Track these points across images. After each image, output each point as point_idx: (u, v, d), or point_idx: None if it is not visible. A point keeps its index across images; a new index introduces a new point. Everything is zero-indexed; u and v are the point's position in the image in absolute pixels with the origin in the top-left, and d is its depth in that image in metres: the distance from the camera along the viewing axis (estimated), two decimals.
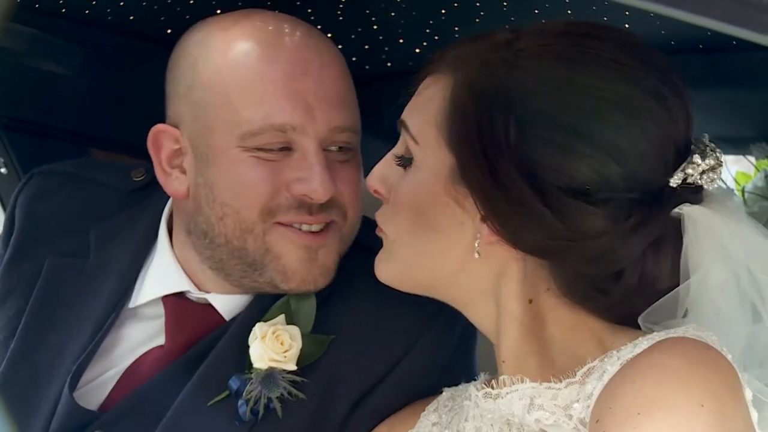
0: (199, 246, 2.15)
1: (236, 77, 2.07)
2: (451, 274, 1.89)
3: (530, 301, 1.87)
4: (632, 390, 1.64)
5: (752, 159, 2.93)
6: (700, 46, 2.57)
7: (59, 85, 2.77)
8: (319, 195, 2.04)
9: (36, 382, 2.16)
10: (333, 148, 2.10)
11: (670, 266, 1.81)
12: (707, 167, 1.81)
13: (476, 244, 1.85)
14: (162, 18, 2.71)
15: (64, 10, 2.71)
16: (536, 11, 2.48)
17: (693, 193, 1.81)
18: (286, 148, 2.06)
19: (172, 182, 2.16)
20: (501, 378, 1.87)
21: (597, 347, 1.81)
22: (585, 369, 1.78)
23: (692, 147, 1.82)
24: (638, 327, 1.83)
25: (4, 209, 2.66)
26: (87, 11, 2.71)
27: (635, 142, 1.77)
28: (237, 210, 2.07)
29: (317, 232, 2.10)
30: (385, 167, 1.95)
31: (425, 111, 1.87)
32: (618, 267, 1.79)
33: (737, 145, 2.88)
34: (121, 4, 2.68)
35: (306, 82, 2.06)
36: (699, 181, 1.81)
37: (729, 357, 1.70)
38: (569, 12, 2.46)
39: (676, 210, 1.80)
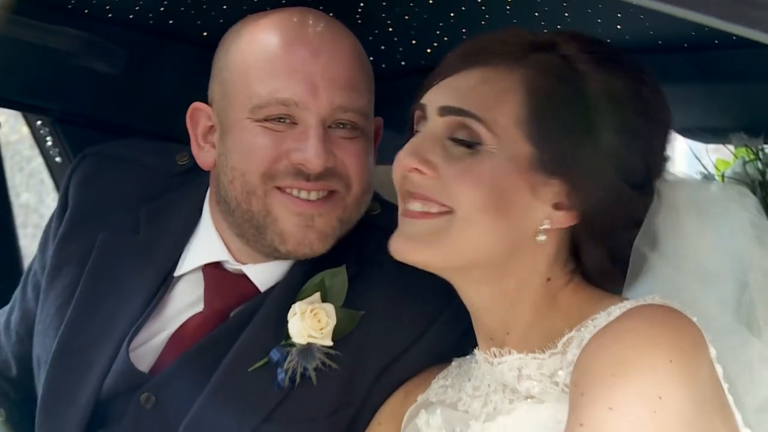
0: (225, 213, 2.15)
1: (255, 58, 2.08)
2: (502, 255, 1.84)
3: (548, 279, 1.87)
4: (606, 354, 1.64)
5: (731, 147, 2.87)
6: (685, 45, 2.53)
7: (106, 82, 2.75)
8: (313, 165, 2.03)
9: (91, 344, 2.15)
10: (338, 125, 2.08)
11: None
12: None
13: (542, 228, 1.83)
14: (198, 22, 2.68)
15: (110, 15, 2.68)
16: (536, 14, 2.44)
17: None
18: (292, 122, 2.06)
19: (204, 155, 2.19)
20: (491, 350, 1.86)
21: (576, 319, 1.80)
22: (564, 339, 1.77)
23: None
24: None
25: None
26: (131, 16, 2.68)
27: (655, 135, 1.88)
28: (243, 173, 2.09)
29: (315, 200, 2.08)
30: (423, 147, 1.85)
31: (501, 103, 1.81)
32: (631, 228, 1.85)
33: (718, 134, 2.84)
34: (161, 9, 2.65)
35: (315, 65, 2.05)
36: None
37: (694, 319, 1.69)
38: (566, 15, 2.42)
39: None
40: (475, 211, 1.80)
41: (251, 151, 2.07)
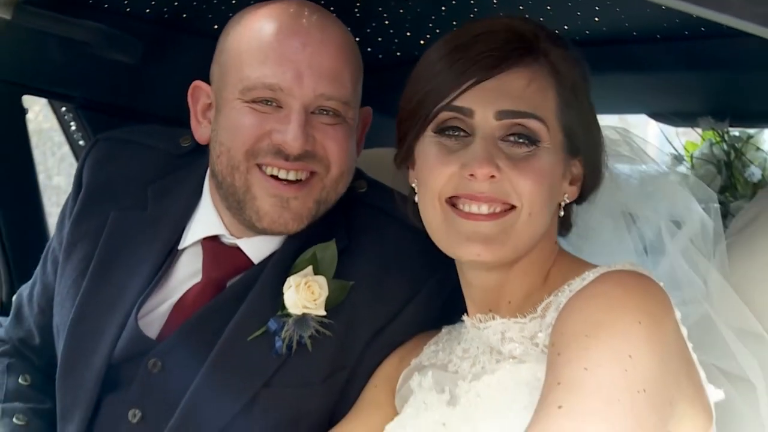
0: (217, 188, 2.11)
1: (249, 45, 2.03)
2: (540, 235, 1.79)
3: (555, 242, 1.86)
4: (580, 317, 1.60)
5: (699, 130, 2.86)
6: (658, 36, 2.50)
7: (124, 71, 2.72)
8: (290, 146, 1.99)
9: (104, 313, 2.11)
10: (320, 112, 2.02)
11: None
12: None
13: (563, 204, 1.82)
14: (210, 16, 2.64)
15: (128, 10, 2.65)
16: (521, 7, 2.38)
17: None
18: (278, 106, 2.01)
19: (202, 130, 2.15)
20: (477, 316, 1.83)
21: (555, 285, 1.77)
22: (543, 305, 1.74)
23: None
24: None
25: None
26: (147, 10, 2.65)
27: None
28: (228, 148, 2.05)
29: (294, 182, 2.03)
30: (490, 153, 1.74)
31: (546, 101, 1.76)
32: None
33: (687, 119, 2.83)
34: (175, 3, 2.61)
35: (302, 54, 2.00)
36: None
37: (661, 284, 1.66)
38: (548, 8, 2.37)
39: None
40: (537, 204, 1.75)
41: (237, 128, 2.02)
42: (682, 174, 2.45)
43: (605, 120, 2.04)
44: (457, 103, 1.75)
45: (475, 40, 1.77)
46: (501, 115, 1.74)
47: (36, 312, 2.29)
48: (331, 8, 2.15)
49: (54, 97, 2.88)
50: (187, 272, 2.13)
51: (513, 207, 1.75)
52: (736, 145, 2.82)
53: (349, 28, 2.11)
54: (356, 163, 2.14)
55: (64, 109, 2.90)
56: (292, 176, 2.02)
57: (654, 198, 2.01)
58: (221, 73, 2.07)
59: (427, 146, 1.80)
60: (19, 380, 2.23)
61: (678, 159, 2.80)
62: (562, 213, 1.83)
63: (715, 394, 1.70)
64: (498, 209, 1.75)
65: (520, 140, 1.74)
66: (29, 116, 2.91)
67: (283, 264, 2.06)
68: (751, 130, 2.83)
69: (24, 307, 2.32)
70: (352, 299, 2.02)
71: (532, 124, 1.74)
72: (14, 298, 2.38)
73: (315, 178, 2.03)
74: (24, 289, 2.36)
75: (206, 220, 2.14)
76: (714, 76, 2.63)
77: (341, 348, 2.01)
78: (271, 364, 1.99)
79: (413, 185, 1.86)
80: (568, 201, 1.83)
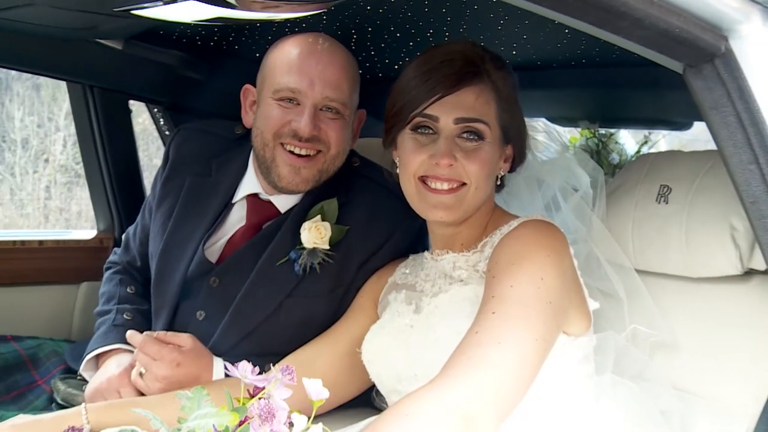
0: (255, 159, 2.03)
1: (280, 60, 1.94)
2: (483, 201, 1.69)
3: (493, 202, 1.77)
4: (508, 251, 1.54)
5: (579, 129, 2.78)
6: (554, 65, 2.40)
7: (195, 84, 2.61)
8: (302, 131, 1.90)
9: (182, 245, 2.02)
10: (326, 109, 1.93)
11: None
12: None
13: (500, 176, 1.72)
14: (254, 47, 2.50)
15: (199, 43, 2.52)
16: (480, 37, 2.26)
17: None
18: (297, 103, 1.93)
19: (248, 118, 2.06)
20: (436, 251, 1.75)
21: (491, 230, 1.69)
22: (482, 243, 1.67)
23: None
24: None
25: None
26: (211, 43, 2.52)
27: None
28: (262, 131, 1.96)
29: (305, 156, 1.94)
30: (450, 147, 1.64)
31: (490, 109, 1.65)
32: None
33: (571, 120, 2.73)
34: (230, 39, 2.47)
35: (315, 68, 1.90)
36: None
37: (562, 230, 1.60)
38: (483, 43, 2.24)
39: None
40: (481, 181, 1.65)
41: (268, 118, 1.93)
42: (581, 155, 2.36)
43: None
44: (427, 111, 1.65)
45: (440, 65, 1.66)
46: (458, 120, 1.64)
47: (138, 244, 2.20)
48: (337, 39, 2.02)
49: (149, 101, 2.77)
50: (237, 218, 2.04)
51: (464, 184, 1.66)
52: (602, 139, 2.77)
53: None
54: (352, 146, 2.04)
55: (156, 109, 2.79)
56: (303, 152, 1.93)
57: (556, 170, 1.93)
58: (262, 80, 1.98)
59: (406, 140, 1.70)
60: (127, 289, 2.14)
61: (565, 148, 2.73)
62: (498, 182, 1.74)
63: (593, 305, 1.64)
64: (454, 186, 1.66)
65: (471, 137, 1.65)
66: (138, 120, 2.80)
67: (300, 213, 1.97)
68: (612, 130, 2.77)
69: (130, 241, 2.23)
70: (348, 238, 1.94)
71: (479, 126, 1.64)
72: (123, 235, 2.29)
73: (319, 155, 1.94)
74: (130, 229, 2.27)
75: (250, 182, 2.05)
76: (590, 93, 2.54)
77: (340, 272, 1.92)
78: (292, 281, 1.91)
79: (396, 161, 1.77)
80: (502, 174, 1.74)
